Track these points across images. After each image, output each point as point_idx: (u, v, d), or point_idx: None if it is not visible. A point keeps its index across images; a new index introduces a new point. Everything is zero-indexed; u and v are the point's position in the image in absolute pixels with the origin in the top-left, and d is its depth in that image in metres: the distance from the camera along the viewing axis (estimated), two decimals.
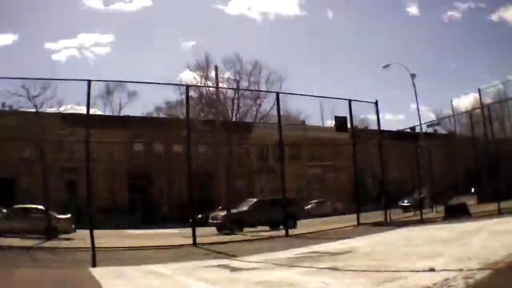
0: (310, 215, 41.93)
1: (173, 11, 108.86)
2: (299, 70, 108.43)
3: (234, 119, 37.81)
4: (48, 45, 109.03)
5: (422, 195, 28.46)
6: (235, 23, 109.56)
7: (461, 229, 13.96)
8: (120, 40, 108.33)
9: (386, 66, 43.63)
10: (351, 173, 51.76)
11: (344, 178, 58.76)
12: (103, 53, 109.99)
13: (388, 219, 23.94)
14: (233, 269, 9.58)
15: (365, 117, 50.27)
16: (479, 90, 34.09)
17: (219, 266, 10.34)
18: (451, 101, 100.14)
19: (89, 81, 17.70)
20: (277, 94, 24.49)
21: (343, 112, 25.41)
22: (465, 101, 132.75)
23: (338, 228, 21.76)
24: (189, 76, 61.04)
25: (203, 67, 53.92)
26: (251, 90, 42.38)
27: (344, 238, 15.38)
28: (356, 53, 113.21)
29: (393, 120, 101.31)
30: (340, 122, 24.91)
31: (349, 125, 25.41)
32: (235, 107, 39.84)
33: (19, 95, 19.89)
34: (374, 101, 26.52)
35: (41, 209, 24.21)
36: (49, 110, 21.78)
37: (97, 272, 9.86)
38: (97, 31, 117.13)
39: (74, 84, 18.79)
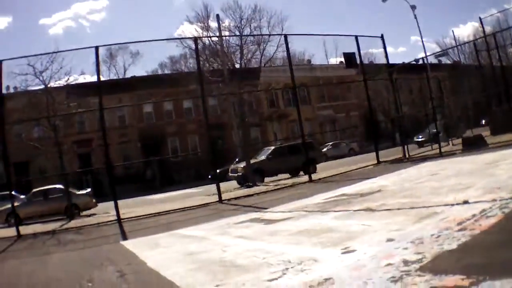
0: (327, 157, 41.93)
1: None
2: (297, 9, 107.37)
3: (240, 66, 37.55)
4: (43, 21, 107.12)
5: (436, 129, 28.27)
6: None
7: (482, 160, 13.93)
8: (114, 4, 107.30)
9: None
10: (362, 111, 52.00)
11: (356, 117, 58.74)
12: (99, 19, 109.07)
13: (407, 155, 23.81)
14: (267, 222, 9.70)
15: (368, 51, 49.82)
16: (480, 19, 33.74)
17: (252, 220, 10.47)
18: (453, 31, 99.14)
19: (97, 47, 17.60)
20: (285, 36, 23.85)
21: (347, 49, 25.12)
22: (464, 31, 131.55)
23: (360, 168, 21.74)
24: (190, 29, 60.50)
25: (203, 18, 53.46)
26: (257, 35, 41.96)
27: (369, 178, 15.53)
28: None
29: (394, 53, 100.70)
30: (349, 58, 24.57)
31: (357, 61, 25.10)
32: (240, 54, 39.51)
33: (25, 73, 19.71)
34: (380, 35, 26.14)
35: (60, 189, 23.77)
36: (57, 83, 21.58)
37: (131, 245, 9.85)
38: None
39: (80, 54, 18.60)
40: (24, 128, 29.53)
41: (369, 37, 26.64)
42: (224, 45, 40.56)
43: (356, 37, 24.48)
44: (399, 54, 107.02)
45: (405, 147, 24.15)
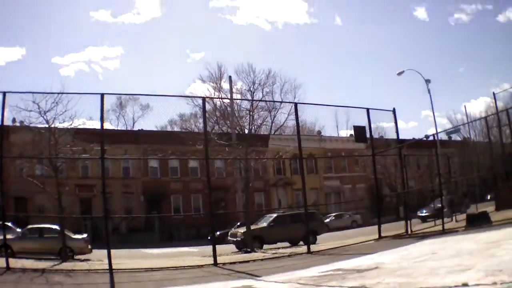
0: (329, 228, 41.49)
1: (181, 23, 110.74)
2: (310, 78, 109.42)
3: (249, 131, 37.59)
4: (56, 60, 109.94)
5: (440, 204, 28.00)
6: (244, 33, 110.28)
7: (485, 239, 13.70)
8: (129, 53, 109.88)
9: (401, 73, 43.37)
10: (369, 183, 51.76)
11: (362, 189, 58.53)
12: (112, 67, 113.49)
13: (409, 231, 23.50)
14: None
15: (379, 125, 49.91)
16: (493, 94, 33.78)
17: (243, 287, 10.20)
18: (465, 106, 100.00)
19: (102, 95, 17.49)
20: (295, 104, 23.58)
21: (358, 121, 25.14)
22: (476, 106, 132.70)
23: (360, 242, 21.48)
24: (201, 88, 61.09)
25: (216, 78, 53.86)
26: (268, 101, 42.20)
27: (368, 254, 15.17)
28: (366, 60, 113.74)
29: (405, 128, 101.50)
30: (360, 132, 24.44)
31: (367, 135, 24.97)
32: (250, 119, 39.47)
33: (29, 110, 19.76)
34: (392, 109, 26.07)
35: (56, 229, 23.74)
36: (61, 125, 21.65)
37: None
38: (105, 44, 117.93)
39: (86, 98, 18.61)
40: (26, 164, 29.44)
41: (380, 110, 26.53)
42: (235, 108, 40.73)
43: (368, 110, 24.36)
44: (409, 129, 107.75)
45: (408, 222, 23.83)
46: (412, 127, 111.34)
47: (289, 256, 18.64)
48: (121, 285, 12.03)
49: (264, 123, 46.81)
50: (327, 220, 45.45)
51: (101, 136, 18.19)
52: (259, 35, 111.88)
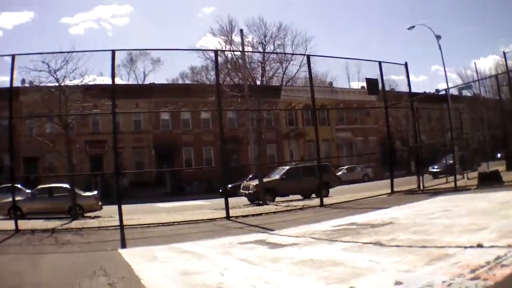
0: (341, 181, 41.59)
1: None
2: (321, 30, 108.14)
3: (261, 83, 37.34)
4: (65, 20, 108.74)
5: (452, 160, 27.86)
6: None
7: (498, 199, 13.65)
8: (138, 10, 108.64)
9: (411, 28, 42.84)
10: (380, 136, 51.68)
11: (374, 142, 58.46)
12: (122, 24, 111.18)
13: (422, 187, 23.38)
14: (272, 246, 9.37)
15: (390, 77, 49.62)
16: (504, 54, 33.29)
17: (257, 241, 10.17)
18: (475, 63, 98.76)
19: (113, 51, 17.41)
20: (308, 56, 23.28)
21: (370, 74, 24.86)
22: (485, 63, 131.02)
23: (373, 196, 21.50)
24: (212, 41, 60.31)
25: (227, 32, 53.12)
26: (280, 53, 41.68)
27: (381, 208, 15.19)
28: (377, 12, 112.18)
29: (415, 81, 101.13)
30: (372, 84, 24.27)
31: (380, 87, 24.80)
32: (262, 71, 39.12)
33: (39, 70, 19.68)
34: (404, 62, 25.77)
35: (66, 188, 23.62)
36: (71, 83, 21.53)
37: (127, 254, 9.57)
38: (114, 2, 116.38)
39: (97, 55, 18.55)
40: (36, 124, 29.37)
41: (393, 63, 26.20)
42: (246, 61, 40.24)
43: (380, 63, 24.14)
44: (419, 82, 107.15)
45: (420, 178, 23.77)
46: (423, 81, 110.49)
47: (301, 209, 18.67)
48: (132, 242, 11.93)
49: (276, 74, 46.27)
50: (339, 173, 45.50)
51: (112, 91, 18.17)
52: None
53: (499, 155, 39.80)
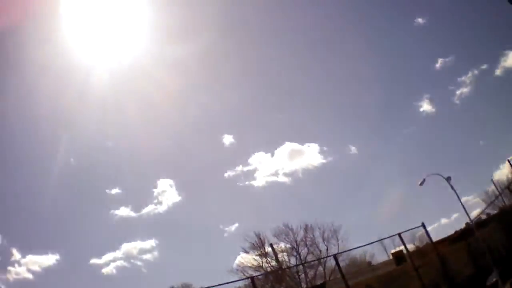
0: None
1: (203, 201, 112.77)
2: (345, 213, 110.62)
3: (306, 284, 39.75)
4: (94, 261, 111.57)
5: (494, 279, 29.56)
6: (267, 192, 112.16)
7: None
8: (163, 242, 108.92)
9: (422, 183, 46.31)
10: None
11: None
12: (152, 258, 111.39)
13: None
14: None
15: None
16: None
17: None
18: (491, 179, 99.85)
19: None
20: (335, 256, 26.54)
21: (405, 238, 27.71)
22: (502, 172, 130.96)
23: None
24: (247, 258, 63.65)
25: (258, 246, 57.52)
26: (306, 263, 44.67)
27: None
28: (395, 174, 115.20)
29: (449, 223, 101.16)
30: (398, 256, 27.16)
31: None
32: (304, 275, 41.88)
33: None
34: (421, 224, 28.88)
35: None
36: None
37: None
38: (137, 238, 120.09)
39: None
40: None
41: (410, 230, 29.50)
42: (285, 266, 43.39)
43: (400, 234, 27.39)
44: (452, 222, 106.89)
45: None
46: (455, 219, 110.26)
47: None
48: None
49: (318, 272, 49.46)
50: None
51: None
52: (282, 190, 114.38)
53: None
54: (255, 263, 65.61)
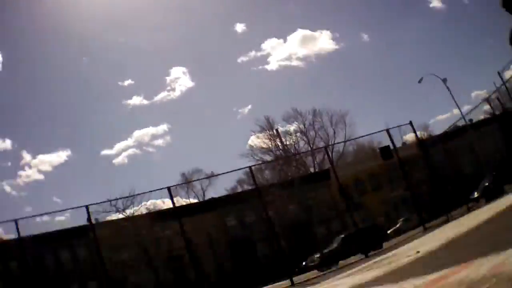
0: (399, 232, 46.79)
1: (216, 86, 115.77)
2: (354, 100, 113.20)
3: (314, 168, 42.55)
4: (105, 152, 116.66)
5: (486, 183, 30.67)
6: (281, 76, 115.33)
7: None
8: (175, 127, 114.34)
9: (420, 81, 48.18)
10: (429, 186, 55.77)
11: (422, 192, 62.31)
12: (164, 144, 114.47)
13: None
14: None
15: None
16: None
17: None
18: (498, 72, 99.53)
19: (169, 188, 23.62)
20: (325, 148, 29.22)
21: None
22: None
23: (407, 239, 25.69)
24: (257, 142, 66.96)
25: (267, 129, 60.51)
26: (296, 154, 47.10)
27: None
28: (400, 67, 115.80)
29: (454, 115, 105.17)
30: (384, 151, 29.41)
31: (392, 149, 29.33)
32: (312, 158, 44.83)
33: (108, 211, 25.34)
34: (409, 122, 30.92)
35: None
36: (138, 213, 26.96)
37: None
38: (149, 125, 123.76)
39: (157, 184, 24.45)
40: (112, 251, 34.89)
41: (398, 127, 31.82)
42: (295, 149, 46.26)
43: (388, 130, 29.68)
44: (455, 116, 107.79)
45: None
46: (457, 114, 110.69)
47: (349, 266, 23.28)
48: None
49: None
50: (398, 225, 51.04)
51: (177, 216, 24.66)
52: (295, 74, 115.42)
53: None
54: (265, 146, 69.46)
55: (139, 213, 40.67)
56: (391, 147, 29.62)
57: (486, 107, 37.17)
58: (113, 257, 36.90)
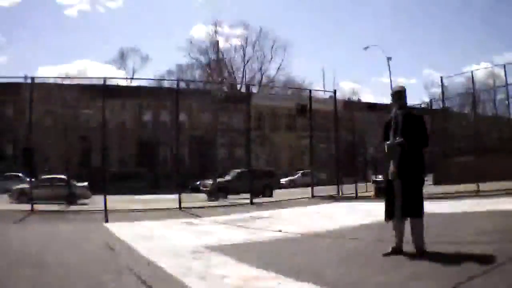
0: (295, 184, 48.19)
1: None
2: (305, 33, 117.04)
3: (241, 85, 43.37)
4: (60, 0, 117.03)
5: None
6: None
7: (361, 207, 19.61)
8: None
9: (366, 48, 49.87)
10: (344, 144, 57.45)
11: (333, 148, 64.18)
12: (115, 7, 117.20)
13: (341, 193, 28.79)
14: (190, 224, 15.92)
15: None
16: (472, 74, 33.18)
17: (184, 222, 16.49)
18: (441, 78, 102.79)
19: (104, 79, 24.82)
20: (248, 86, 29.54)
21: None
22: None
23: (295, 199, 26.91)
24: (202, 31, 66.61)
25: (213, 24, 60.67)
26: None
27: (284, 208, 21.62)
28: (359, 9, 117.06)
29: (405, 83, 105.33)
30: (301, 107, 30.36)
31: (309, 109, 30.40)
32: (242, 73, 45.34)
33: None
34: (333, 90, 32.13)
35: (63, 179, 30.93)
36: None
37: (108, 225, 16.32)
38: None
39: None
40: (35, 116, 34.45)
41: (321, 91, 32.96)
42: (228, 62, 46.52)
43: (310, 91, 30.92)
44: (409, 84, 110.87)
45: (339, 186, 29.39)
46: (412, 84, 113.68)
47: (235, 205, 24.73)
48: (112, 219, 18.18)
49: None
50: (295, 177, 52.26)
51: (102, 108, 25.47)
52: None
53: None
54: (208, 38, 73.22)
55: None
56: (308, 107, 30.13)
57: None
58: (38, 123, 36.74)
